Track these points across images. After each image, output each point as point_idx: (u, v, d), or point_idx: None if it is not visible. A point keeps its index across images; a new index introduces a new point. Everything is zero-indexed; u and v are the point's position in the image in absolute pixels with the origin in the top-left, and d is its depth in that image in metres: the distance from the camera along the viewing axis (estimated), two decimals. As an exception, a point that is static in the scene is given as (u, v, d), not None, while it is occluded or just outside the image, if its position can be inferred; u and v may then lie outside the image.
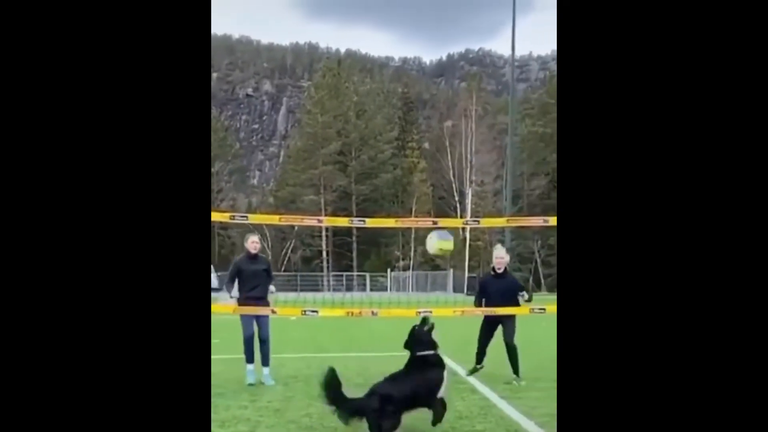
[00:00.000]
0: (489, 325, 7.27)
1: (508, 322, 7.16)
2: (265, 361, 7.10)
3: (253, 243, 7.31)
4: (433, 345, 4.70)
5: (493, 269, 7.38)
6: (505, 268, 7.42)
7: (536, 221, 8.11)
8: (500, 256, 7.40)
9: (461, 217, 49.25)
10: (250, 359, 7.04)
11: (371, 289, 44.55)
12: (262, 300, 7.10)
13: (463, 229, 45.24)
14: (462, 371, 7.72)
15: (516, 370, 7.07)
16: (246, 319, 7.01)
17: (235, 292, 7.13)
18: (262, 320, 7.10)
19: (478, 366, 7.39)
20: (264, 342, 7.11)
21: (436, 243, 7.09)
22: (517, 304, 7.14)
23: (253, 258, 7.26)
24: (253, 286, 7.07)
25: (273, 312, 7.02)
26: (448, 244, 7.51)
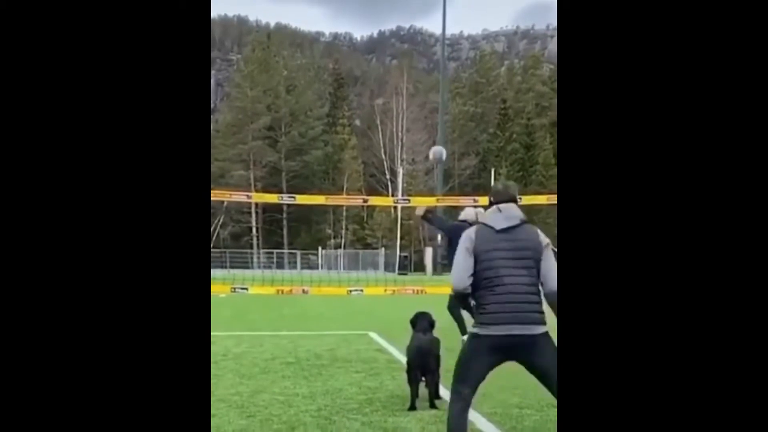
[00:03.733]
0: None
1: None
2: None
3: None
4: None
5: None
6: None
7: (466, 201, 8.22)
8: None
9: (392, 195, 49.50)
10: None
11: (302, 267, 44.30)
12: None
13: (395, 208, 45.45)
14: (393, 350, 7.74)
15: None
16: None
17: None
18: None
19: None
20: None
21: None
22: None
23: None
24: None
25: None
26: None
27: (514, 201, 3.21)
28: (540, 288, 3.07)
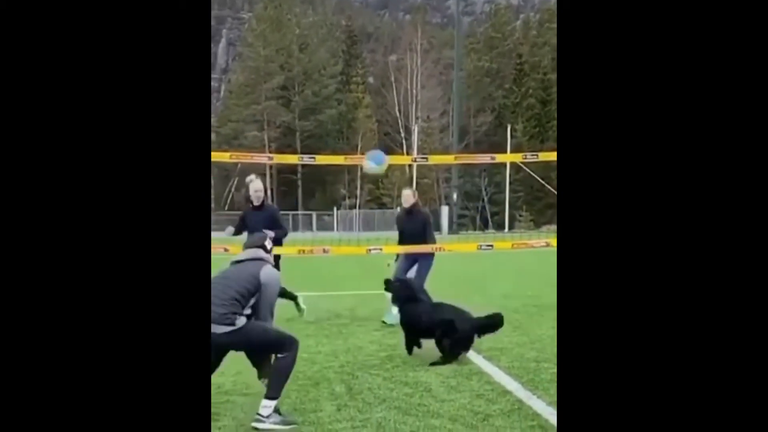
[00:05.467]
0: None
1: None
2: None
3: (408, 195, 7.04)
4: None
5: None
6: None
7: (484, 158, 8.30)
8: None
9: (407, 153, 49.32)
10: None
11: (317, 228, 44.58)
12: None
13: (410, 167, 45.33)
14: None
15: None
16: None
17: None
18: None
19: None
20: None
21: (370, 166, 6.96)
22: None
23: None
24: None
25: (225, 250, 6.89)
26: (381, 168, 7.24)
27: None
28: None
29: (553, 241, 7.45)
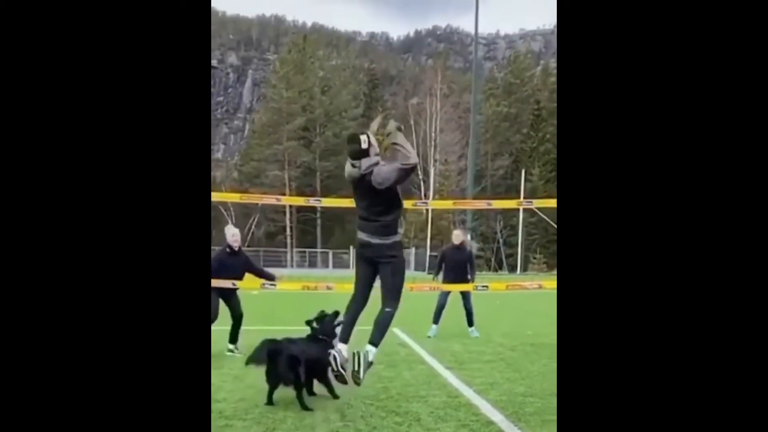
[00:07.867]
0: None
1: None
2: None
3: (458, 234, 9.16)
4: (333, 336, 5.35)
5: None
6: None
7: (479, 204, 8.86)
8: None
9: (425, 195, 49.79)
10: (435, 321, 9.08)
11: (334, 266, 44.92)
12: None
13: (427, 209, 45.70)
14: (413, 344, 8.13)
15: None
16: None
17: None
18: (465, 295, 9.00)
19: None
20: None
21: None
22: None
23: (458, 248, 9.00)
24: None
25: (234, 285, 7.29)
26: None
27: None
28: None
29: (546, 284, 7.76)
